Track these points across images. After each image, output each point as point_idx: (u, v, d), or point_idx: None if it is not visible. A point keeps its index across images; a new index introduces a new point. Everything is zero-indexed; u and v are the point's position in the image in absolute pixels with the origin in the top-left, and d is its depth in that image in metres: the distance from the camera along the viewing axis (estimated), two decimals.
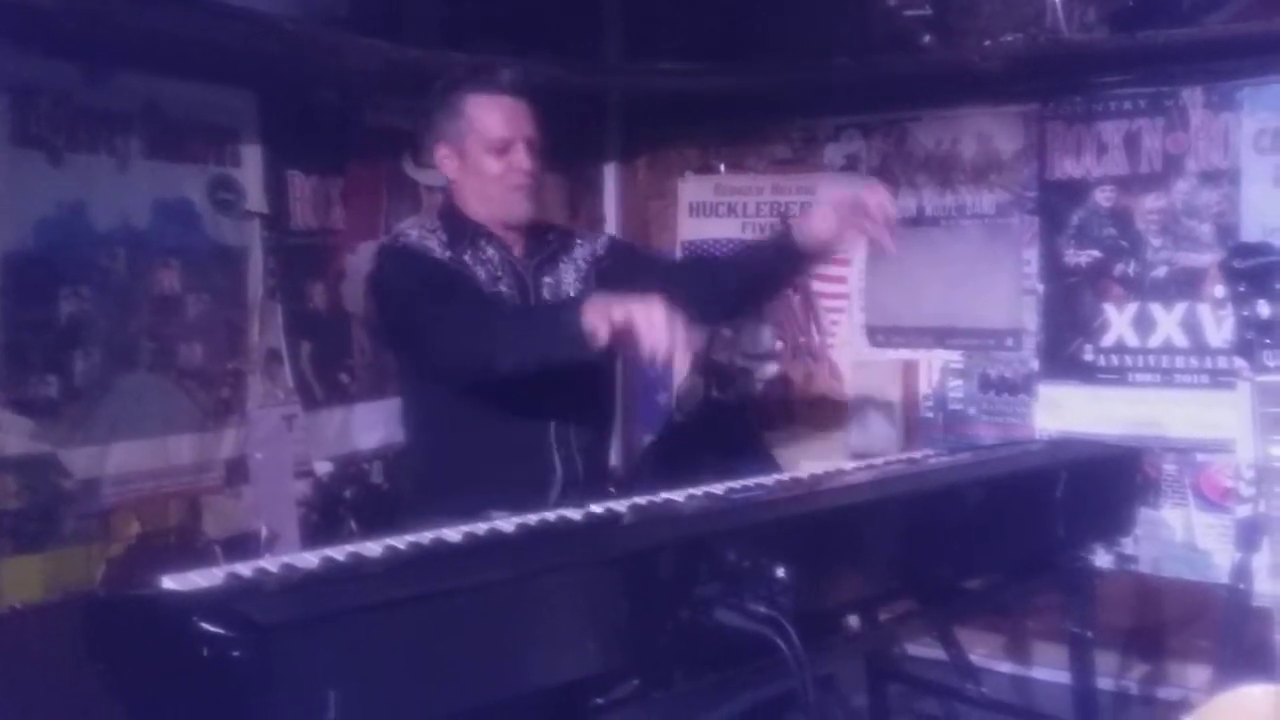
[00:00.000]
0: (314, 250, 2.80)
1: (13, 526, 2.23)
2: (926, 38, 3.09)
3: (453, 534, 1.42)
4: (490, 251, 2.21)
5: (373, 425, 2.92)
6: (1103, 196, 2.95)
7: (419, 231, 2.24)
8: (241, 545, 2.61)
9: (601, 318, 1.79)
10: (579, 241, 2.38)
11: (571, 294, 2.25)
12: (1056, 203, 3.01)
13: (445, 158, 2.21)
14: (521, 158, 2.16)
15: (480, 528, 1.45)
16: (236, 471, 2.63)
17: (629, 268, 2.34)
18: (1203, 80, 2.83)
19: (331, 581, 1.21)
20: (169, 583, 1.21)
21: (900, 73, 3.13)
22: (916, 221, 3.23)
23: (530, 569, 1.23)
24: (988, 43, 2.99)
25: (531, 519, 1.49)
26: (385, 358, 2.87)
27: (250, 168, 2.64)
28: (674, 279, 2.25)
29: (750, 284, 2.37)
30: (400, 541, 1.39)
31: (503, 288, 2.19)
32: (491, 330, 2.03)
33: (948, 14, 3.07)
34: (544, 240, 2.30)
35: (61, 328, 2.30)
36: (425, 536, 1.41)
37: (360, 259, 2.87)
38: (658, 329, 1.72)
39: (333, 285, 2.84)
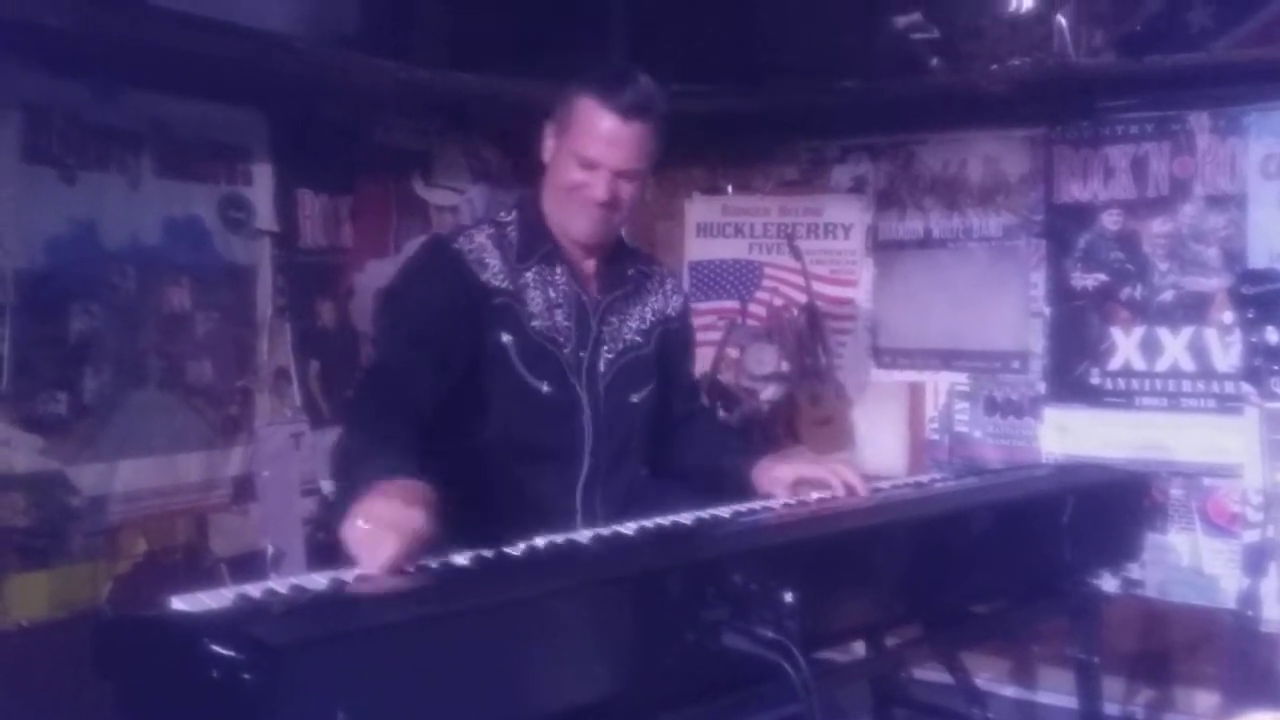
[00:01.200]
0: (323, 268, 2.81)
1: (20, 543, 2.23)
2: (934, 61, 3.11)
3: (461, 556, 1.42)
4: (559, 272, 1.99)
5: None
6: (1109, 220, 2.96)
7: (489, 233, 2.00)
8: (248, 563, 2.61)
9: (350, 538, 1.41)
10: (658, 286, 2.15)
11: (628, 342, 2.05)
12: (1063, 226, 3.02)
13: (547, 136, 2.00)
14: (601, 186, 1.91)
15: (489, 551, 1.45)
16: (244, 489, 2.63)
17: (671, 353, 2.14)
18: (1210, 105, 2.84)
19: (340, 603, 1.21)
20: (178, 603, 1.21)
21: (908, 95, 3.14)
22: (923, 244, 3.24)
23: (538, 591, 1.23)
24: (995, 66, 3.00)
25: (539, 542, 1.49)
26: None
27: (260, 186, 2.65)
28: (677, 421, 2.15)
29: (699, 479, 2.15)
30: (408, 564, 1.40)
31: (559, 318, 1.97)
32: (350, 418, 1.83)
33: (955, 37, 3.09)
34: (622, 274, 2.08)
35: (71, 345, 2.31)
36: (433, 560, 1.41)
37: (369, 277, 2.89)
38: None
39: (342, 303, 2.85)
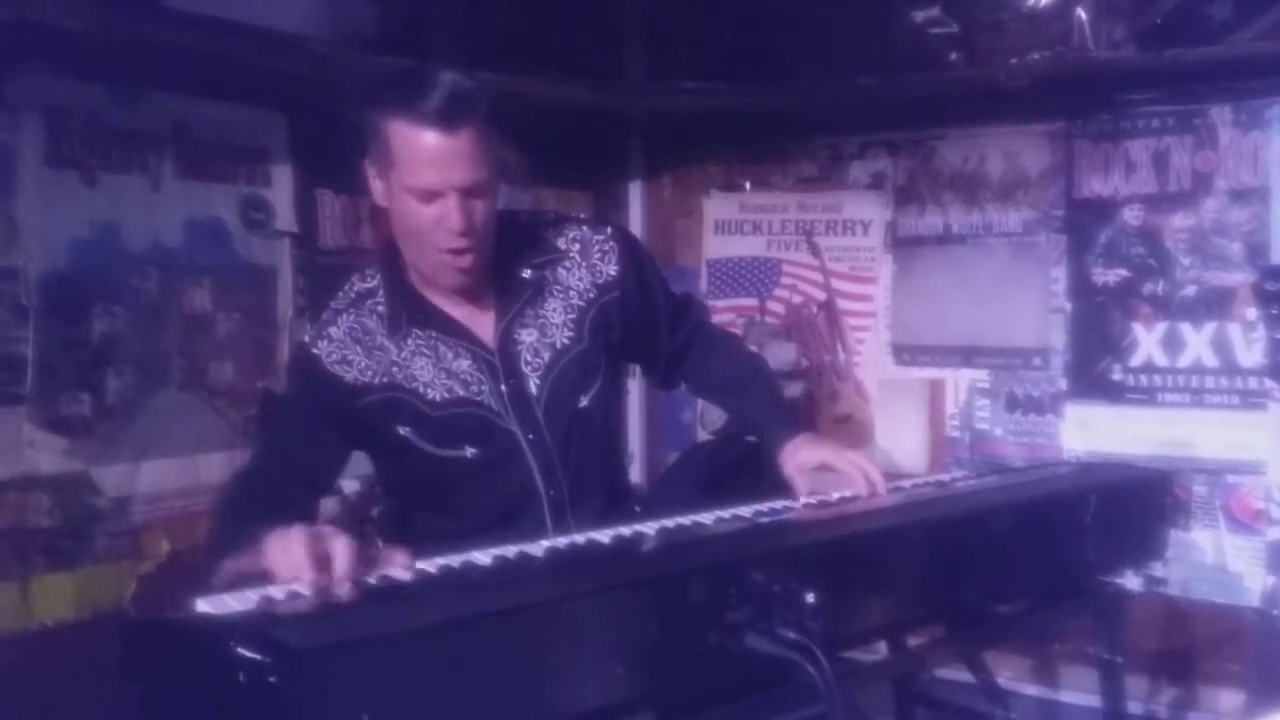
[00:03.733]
0: (343, 269, 2.80)
1: (45, 544, 2.25)
2: (953, 56, 3.10)
3: (483, 557, 1.42)
4: (440, 326, 1.81)
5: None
6: (1131, 215, 2.94)
7: (349, 322, 1.82)
8: None
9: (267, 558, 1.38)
10: (577, 264, 1.91)
11: (558, 346, 1.86)
12: (1084, 221, 3.00)
13: (373, 179, 1.77)
14: (454, 215, 1.68)
15: (510, 551, 1.45)
16: None
17: (626, 315, 1.94)
18: (1232, 98, 2.81)
19: (365, 606, 1.22)
20: (203, 605, 1.22)
21: (927, 91, 3.13)
22: (943, 240, 3.23)
23: (561, 594, 1.23)
24: (1015, 61, 2.99)
25: (561, 543, 1.49)
26: None
27: (280, 187, 2.66)
28: (680, 356, 2.06)
29: (726, 402, 2.15)
30: (431, 565, 1.40)
31: (461, 370, 1.80)
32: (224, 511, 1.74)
33: (974, 32, 3.07)
34: (516, 281, 1.85)
35: (94, 347, 2.32)
36: (455, 560, 1.42)
37: None
38: None
39: None
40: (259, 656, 1.03)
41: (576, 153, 3.39)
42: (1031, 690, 2.98)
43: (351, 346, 1.81)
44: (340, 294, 1.90)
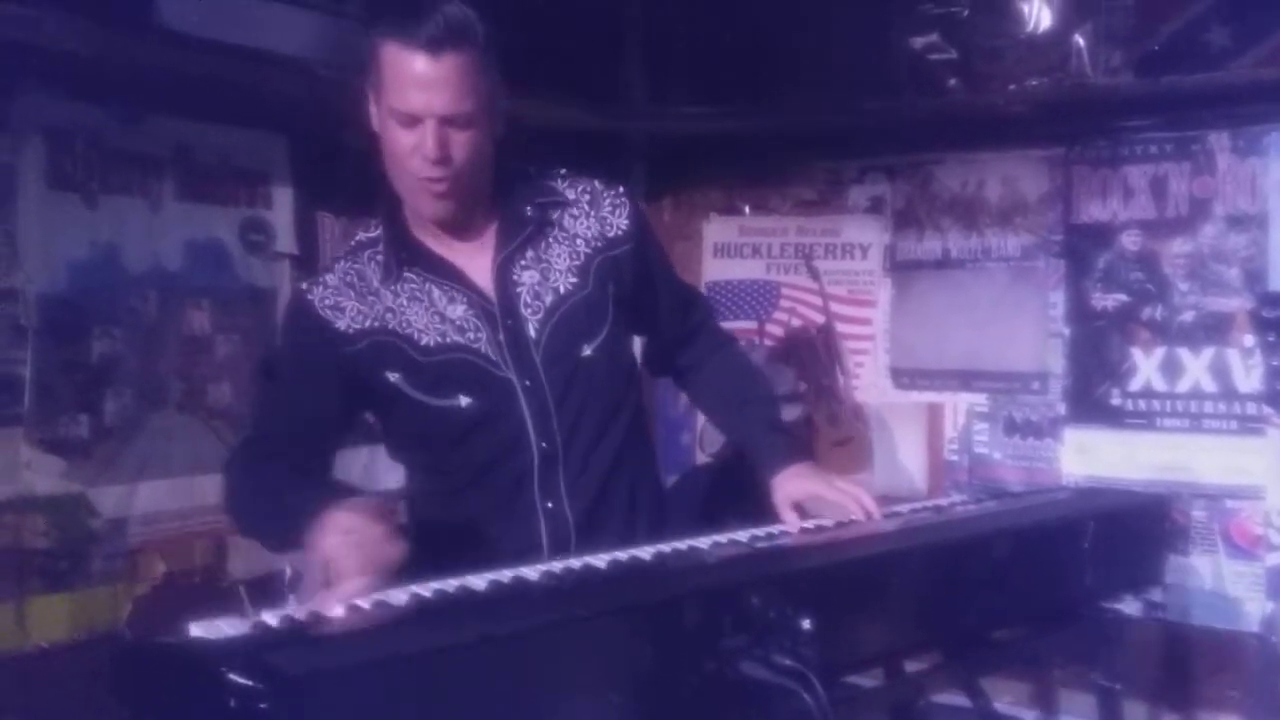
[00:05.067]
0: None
1: (41, 565, 2.25)
2: (952, 81, 3.11)
3: (478, 582, 1.42)
4: (434, 268, 1.77)
5: (397, 465, 2.92)
6: (1129, 240, 2.95)
7: (343, 269, 1.80)
8: (266, 585, 2.62)
9: (326, 549, 1.40)
10: (588, 210, 1.84)
11: (561, 291, 1.78)
12: (1083, 246, 3.01)
13: (370, 103, 1.73)
14: (429, 140, 1.63)
15: (505, 575, 1.45)
16: None
17: (633, 278, 1.87)
18: (1229, 125, 2.83)
19: (359, 631, 1.22)
20: (196, 630, 1.22)
21: (926, 116, 3.15)
22: (942, 264, 3.23)
23: (556, 619, 1.23)
24: (1013, 87, 3.00)
25: (556, 566, 1.49)
26: None
27: (281, 209, 2.67)
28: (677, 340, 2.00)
29: (719, 426, 2.12)
30: (426, 589, 1.40)
31: (455, 316, 1.75)
32: (244, 469, 1.74)
33: (973, 58, 3.09)
34: (519, 215, 1.79)
35: (93, 368, 2.33)
36: (450, 584, 1.41)
37: None
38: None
39: None
40: (251, 683, 1.02)
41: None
42: (1030, 716, 2.96)
43: (345, 292, 1.77)
44: (342, 247, 1.88)
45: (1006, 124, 3.04)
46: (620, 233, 1.85)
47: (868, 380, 3.35)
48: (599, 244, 1.83)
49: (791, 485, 1.81)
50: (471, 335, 1.76)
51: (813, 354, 3.41)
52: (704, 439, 3.48)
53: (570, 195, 1.86)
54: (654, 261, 1.95)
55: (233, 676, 1.03)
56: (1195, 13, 2.79)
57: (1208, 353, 2.83)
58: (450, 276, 1.77)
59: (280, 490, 1.61)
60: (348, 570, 1.38)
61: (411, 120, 1.64)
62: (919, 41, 3.13)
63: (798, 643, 1.31)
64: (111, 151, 2.36)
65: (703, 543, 1.61)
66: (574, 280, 1.80)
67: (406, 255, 1.77)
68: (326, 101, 2.63)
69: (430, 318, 1.75)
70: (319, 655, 1.11)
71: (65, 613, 2.28)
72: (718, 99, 3.38)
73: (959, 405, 3.20)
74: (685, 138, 3.49)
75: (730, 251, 3.56)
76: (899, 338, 3.31)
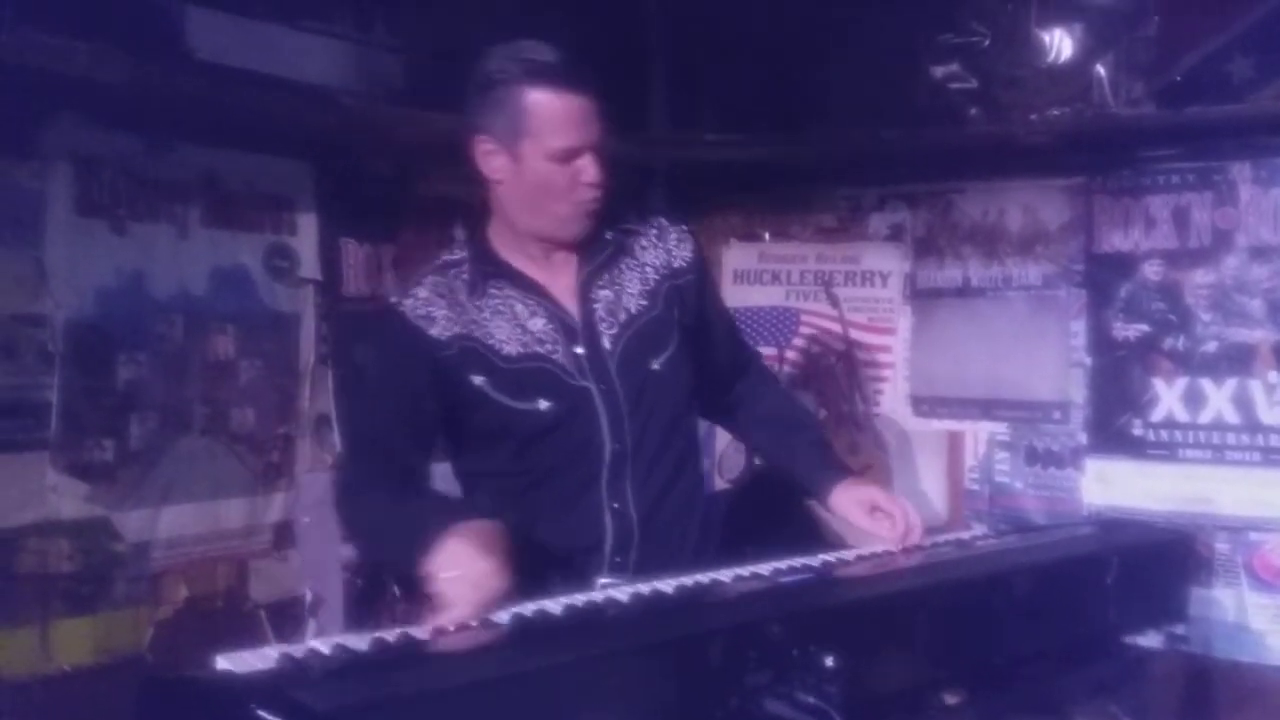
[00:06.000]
0: (365, 316, 2.84)
1: (65, 589, 2.26)
2: (973, 110, 3.12)
3: (502, 615, 1.43)
4: (518, 286, 1.92)
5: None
6: (1151, 270, 2.94)
7: (432, 282, 1.93)
8: (287, 609, 2.63)
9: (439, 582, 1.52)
10: (656, 241, 2.02)
11: (633, 311, 1.94)
12: (1104, 276, 3.00)
13: (489, 154, 1.88)
14: (590, 169, 1.84)
15: (528, 609, 1.46)
16: (284, 535, 2.65)
17: (693, 308, 2.03)
18: (1252, 155, 2.82)
19: (383, 666, 1.22)
20: (223, 663, 1.23)
21: (946, 144, 3.15)
22: (962, 292, 3.23)
23: (580, 656, 1.23)
24: (1034, 116, 3.01)
25: (578, 600, 1.49)
26: None
27: (305, 236, 2.69)
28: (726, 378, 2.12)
29: (767, 453, 2.22)
30: (451, 625, 1.41)
31: (536, 329, 1.89)
32: (357, 484, 1.90)
33: (994, 87, 3.10)
34: (599, 240, 1.96)
35: (119, 393, 2.35)
36: (473, 620, 1.42)
37: None
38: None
39: None
40: (278, 718, 1.03)
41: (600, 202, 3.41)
42: None
43: (434, 303, 1.91)
44: (427, 267, 2.01)
45: (1027, 153, 3.04)
46: (684, 264, 2.04)
47: (888, 408, 3.34)
48: (666, 272, 2.01)
49: (855, 492, 1.95)
50: (549, 346, 1.91)
51: (833, 381, 3.41)
52: (723, 465, 3.47)
53: (640, 227, 2.04)
54: (711, 295, 2.15)
55: (261, 712, 1.04)
56: (1217, 44, 2.79)
57: (1230, 384, 2.82)
58: (534, 291, 1.93)
59: (398, 514, 1.79)
60: (456, 603, 1.47)
61: (570, 155, 1.84)
62: (940, 71, 3.14)
63: (821, 680, 1.31)
64: (139, 179, 2.38)
65: (725, 576, 1.62)
66: (644, 302, 1.97)
67: (492, 271, 1.93)
68: (351, 129, 2.67)
69: (512, 329, 1.91)
70: (345, 691, 1.12)
71: (89, 636, 2.29)
72: (739, 126, 3.39)
73: (980, 434, 3.19)
74: (707, 164, 3.50)
75: (750, 278, 3.57)
76: (919, 365, 3.30)
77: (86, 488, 2.29)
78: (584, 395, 1.90)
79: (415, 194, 2.95)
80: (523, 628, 1.37)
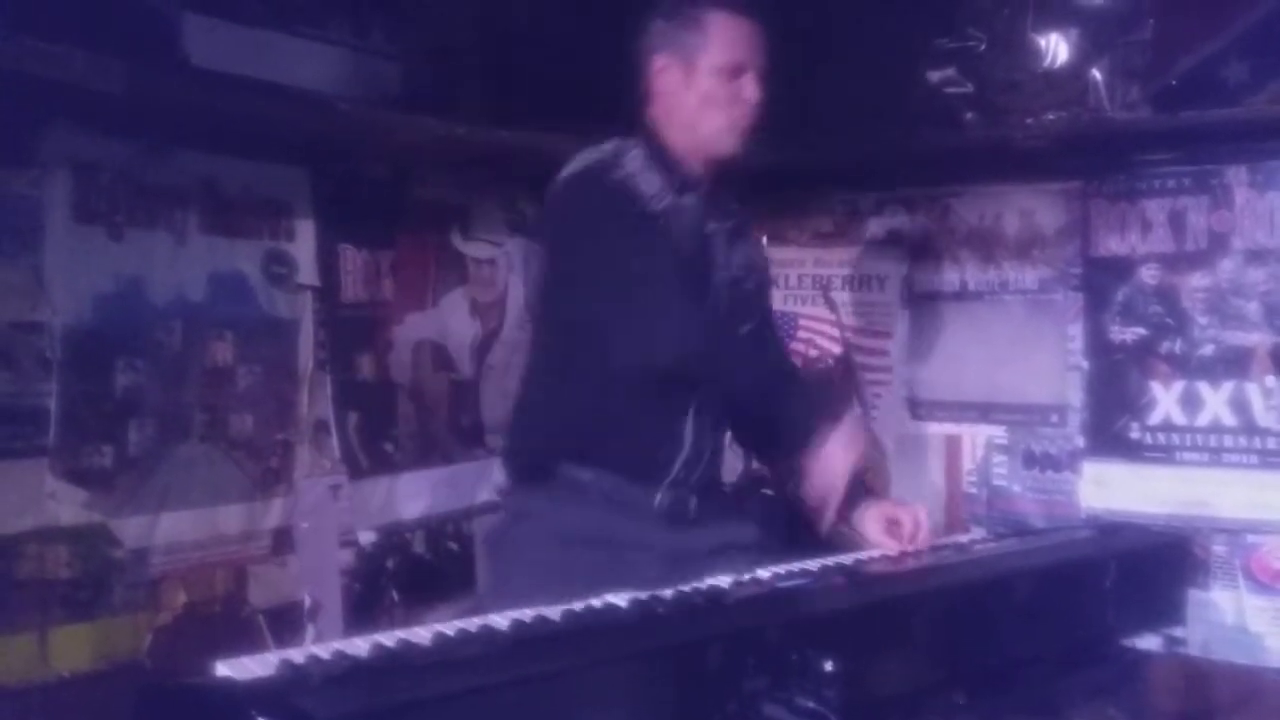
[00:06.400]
0: (363, 322, 2.85)
1: (64, 595, 2.26)
2: (969, 115, 3.12)
3: (500, 620, 1.43)
4: (689, 201, 2.05)
5: (416, 495, 2.95)
6: (1148, 274, 2.95)
7: (636, 164, 2.02)
8: (285, 615, 2.63)
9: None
10: (751, 232, 2.27)
11: (736, 273, 2.12)
12: (1101, 279, 3.01)
13: (664, 70, 2.05)
14: (751, 86, 2.02)
15: (527, 614, 1.46)
16: (283, 541, 2.65)
17: (760, 313, 2.23)
18: (1247, 159, 2.83)
19: (384, 672, 1.22)
20: (223, 669, 1.22)
21: (943, 149, 3.15)
22: (959, 296, 3.24)
23: (580, 662, 1.24)
24: (1031, 121, 3.01)
25: (577, 607, 1.49)
26: (430, 427, 2.92)
27: (303, 242, 2.70)
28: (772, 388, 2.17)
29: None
30: (449, 628, 1.41)
31: (698, 239, 2.06)
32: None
33: (990, 92, 3.09)
34: (729, 208, 2.14)
35: (117, 399, 2.34)
36: (473, 623, 1.42)
37: (408, 330, 2.92)
38: None
39: (381, 356, 2.88)
40: None
41: None
42: None
43: (644, 176, 2.01)
44: (607, 153, 2.07)
45: (1024, 157, 3.04)
46: (762, 261, 2.29)
47: (885, 411, 3.35)
48: (751, 262, 2.19)
49: (874, 509, 2.02)
50: (699, 262, 2.05)
51: (829, 384, 3.41)
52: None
53: (745, 213, 2.22)
54: (768, 300, 2.35)
55: (261, 719, 1.04)
56: (1212, 48, 2.79)
57: (1227, 386, 2.83)
58: (701, 205, 2.06)
59: None
60: None
61: (737, 72, 2.02)
62: (936, 75, 3.14)
63: (820, 684, 1.31)
64: (137, 185, 2.38)
65: (724, 582, 1.62)
66: (741, 274, 2.13)
67: (679, 174, 2.04)
68: (348, 136, 2.68)
69: (685, 226, 2.03)
70: (345, 697, 1.12)
71: (87, 642, 2.29)
72: None
73: (978, 437, 3.19)
74: None
75: None
76: (917, 369, 3.31)
77: (85, 494, 2.29)
78: (704, 320, 2.02)
79: (412, 199, 2.95)
80: (522, 633, 1.37)
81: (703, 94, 2.02)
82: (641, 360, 1.94)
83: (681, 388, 2.02)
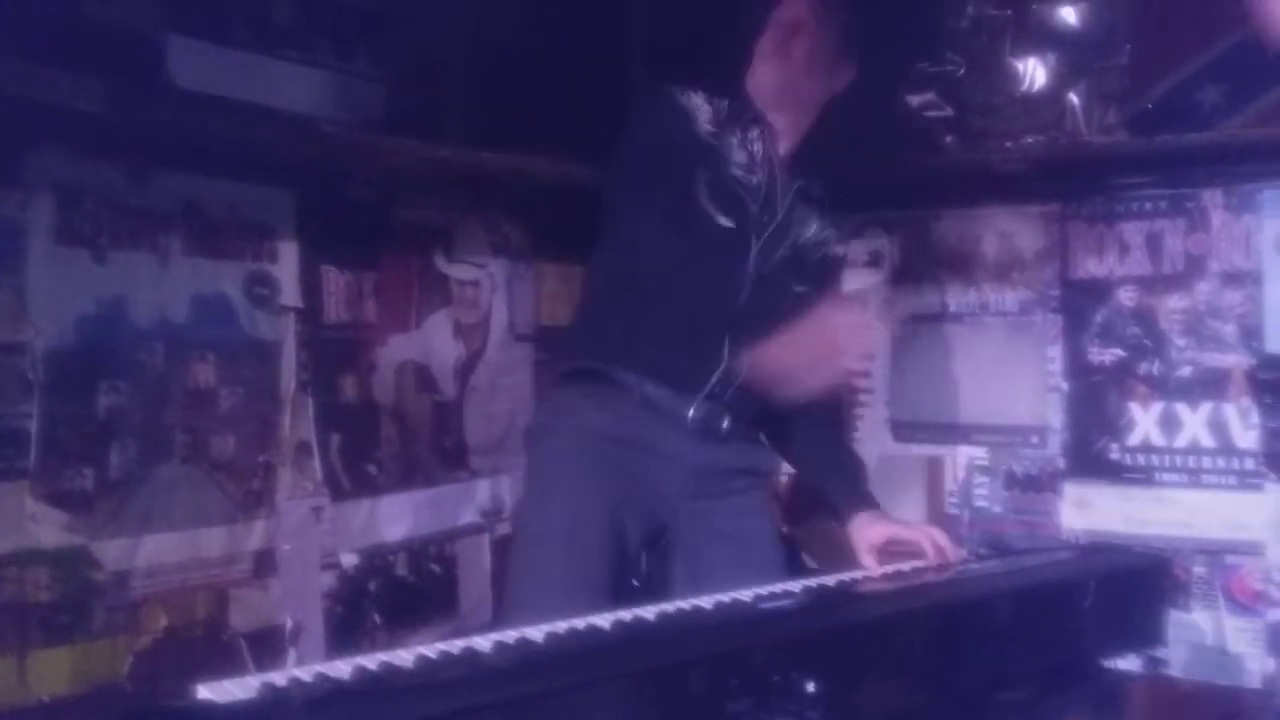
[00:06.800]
0: (346, 343, 2.84)
1: (43, 619, 2.24)
2: (948, 138, 3.15)
3: (483, 643, 1.43)
4: (758, 136, 2.21)
5: (399, 517, 2.94)
6: (1126, 296, 2.98)
7: (701, 92, 2.22)
8: (267, 638, 2.61)
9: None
10: (825, 222, 2.32)
11: (801, 236, 2.24)
12: (1079, 301, 3.04)
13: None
14: (802, 46, 2.19)
15: (509, 636, 1.46)
16: (264, 563, 2.64)
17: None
18: (1223, 183, 2.87)
19: (366, 695, 1.22)
20: (204, 692, 1.22)
21: (923, 171, 3.18)
22: (939, 317, 3.26)
23: (564, 684, 1.24)
24: (1009, 144, 3.04)
25: (560, 628, 1.50)
26: (413, 449, 2.92)
27: (286, 263, 2.69)
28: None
29: (804, 468, 2.50)
30: (432, 650, 1.41)
31: (754, 174, 2.19)
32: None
33: (969, 115, 3.13)
34: (808, 172, 2.28)
35: (99, 421, 2.33)
36: (456, 645, 1.42)
37: (391, 351, 2.92)
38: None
39: (364, 378, 2.87)
40: None
41: (580, 230, 3.43)
42: None
43: (702, 106, 2.18)
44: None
45: (1003, 180, 3.07)
46: (835, 246, 2.36)
47: (867, 433, 3.36)
48: (820, 248, 2.29)
49: (871, 531, 2.07)
50: (752, 194, 2.18)
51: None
52: None
53: (827, 210, 2.32)
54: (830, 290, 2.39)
55: None
56: (1188, 72, 2.84)
57: (1205, 408, 2.85)
58: (772, 147, 2.21)
59: None
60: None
61: (793, 29, 2.18)
62: (916, 99, 3.17)
63: (803, 706, 1.32)
64: (120, 207, 2.37)
65: (706, 603, 1.62)
66: (806, 239, 2.24)
67: (752, 112, 2.21)
68: (332, 158, 2.68)
69: (743, 158, 2.19)
70: None
71: (66, 666, 2.27)
72: None
73: (959, 458, 3.21)
74: None
75: None
76: (898, 391, 3.32)
77: (66, 516, 2.27)
78: (747, 247, 2.15)
79: (396, 221, 2.96)
80: (504, 655, 1.37)
81: (766, 45, 2.19)
82: (667, 285, 2.06)
83: (717, 319, 2.11)
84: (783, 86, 2.20)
